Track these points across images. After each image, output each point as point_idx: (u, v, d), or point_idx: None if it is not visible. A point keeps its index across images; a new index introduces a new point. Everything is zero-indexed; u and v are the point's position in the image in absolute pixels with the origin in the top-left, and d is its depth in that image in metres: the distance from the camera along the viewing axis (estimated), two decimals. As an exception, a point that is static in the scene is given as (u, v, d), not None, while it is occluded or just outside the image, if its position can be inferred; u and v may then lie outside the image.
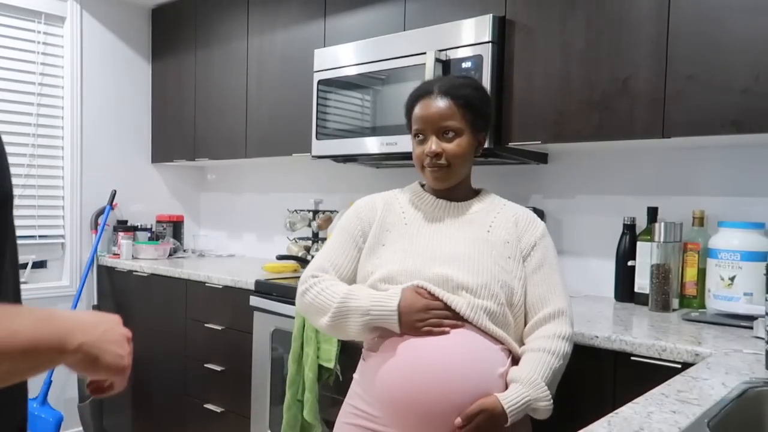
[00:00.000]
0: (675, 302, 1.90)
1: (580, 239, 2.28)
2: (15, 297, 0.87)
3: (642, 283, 2.00)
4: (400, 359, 1.30)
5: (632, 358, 1.46)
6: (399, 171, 2.79)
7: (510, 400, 1.25)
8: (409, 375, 1.27)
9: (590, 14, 1.88)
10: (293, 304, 1.52)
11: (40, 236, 3.16)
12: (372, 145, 2.31)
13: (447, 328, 1.29)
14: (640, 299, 2.00)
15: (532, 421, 1.42)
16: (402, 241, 1.43)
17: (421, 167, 1.45)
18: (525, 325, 1.41)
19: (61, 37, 3.24)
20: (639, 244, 2.03)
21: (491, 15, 2.01)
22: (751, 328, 1.58)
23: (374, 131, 2.31)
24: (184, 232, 3.66)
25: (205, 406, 2.70)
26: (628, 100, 1.81)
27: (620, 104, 1.82)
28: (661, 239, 1.88)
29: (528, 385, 1.28)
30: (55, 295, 3.20)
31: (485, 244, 1.40)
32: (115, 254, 3.30)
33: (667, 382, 1.11)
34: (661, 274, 1.87)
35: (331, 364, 1.98)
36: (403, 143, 2.20)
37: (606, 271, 2.18)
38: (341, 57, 2.42)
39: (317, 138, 2.51)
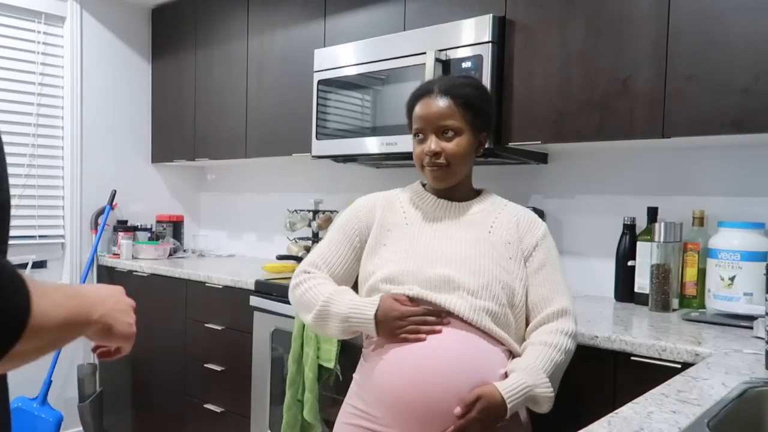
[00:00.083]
0: (675, 302, 1.90)
1: (580, 239, 2.28)
2: None
3: (642, 283, 2.00)
4: (400, 360, 1.30)
5: (632, 358, 1.46)
6: (399, 171, 2.79)
7: (508, 386, 1.25)
8: (409, 376, 1.27)
9: (590, 14, 1.88)
10: (301, 309, 1.52)
11: (40, 236, 3.16)
12: (372, 145, 2.31)
13: (423, 335, 1.29)
14: (640, 299, 2.00)
15: (532, 420, 1.42)
16: (403, 241, 1.43)
17: (420, 166, 1.45)
18: (526, 326, 1.41)
19: (61, 37, 3.24)
20: (639, 244, 2.03)
21: (491, 15, 2.01)
22: (751, 328, 1.58)
23: (374, 131, 2.31)
24: (184, 232, 3.66)
25: (205, 406, 2.70)
26: (628, 100, 1.81)
27: (620, 104, 1.82)
28: (661, 239, 1.88)
29: (526, 372, 1.28)
30: (55, 295, 3.19)
31: (486, 244, 1.40)
32: (115, 254, 3.30)
33: (667, 382, 1.11)
34: (661, 274, 1.87)
35: (331, 364, 1.98)
36: (403, 143, 2.20)
37: (606, 271, 2.18)
38: (341, 57, 2.42)
39: (317, 138, 2.51)
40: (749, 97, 1.61)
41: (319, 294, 1.40)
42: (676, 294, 1.91)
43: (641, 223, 2.09)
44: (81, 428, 3.13)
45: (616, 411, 0.95)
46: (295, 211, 2.90)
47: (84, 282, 3.19)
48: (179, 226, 3.61)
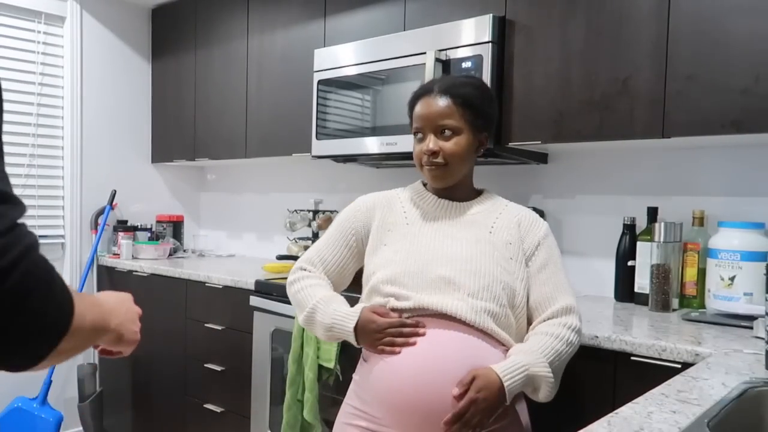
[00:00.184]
0: (675, 302, 1.90)
1: (580, 239, 2.28)
2: None
3: (642, 283, 2.00)
4: (400, 361, 1.30)
5: (632, 358, 1.46)
6: (399, 171, 2.79)
7: (504, 366, 1.25)
8: (409, 377, 1.27)
9: (590, 14, 1.88)
10: (294, 306, 1.53)
11: (40, 236, 3.14)
12: (372, 145, 2.31)
13: (397, 349, 1.30)
14: (640, 299, 2.00)
15: (533, 421, 1.42)
16: (404, 240, 1.43)
17: (420, 166, 1.45)
18: (528, 326, 1.41)
19: (61, 37, 3.24)
20: (639, 244, 2.03)
21: (491, 15, 2.01)
22: (751, 328, 1.58)
23: (374, 131, 2.31)
24: (184, 232, 3.66)
25: (205, 406, 2.70)
26: (628, 100, 1.81)
27: (620, 104, 1.82)
28: (661, 239, 1.88)
29: (523, 354, 1.29)
30: (55, 295, 3.19)
31: (487, 244, 1.39)
32: (115, 254, 3.30)
33: (667, 382, 1.11)
34: (661, 274, 1.87)
35: (331, 364, 1.99)
36: (403, 143, 2.20)
37: (606, 271, 2.19)
38: (341, 57, 2.42)
39: (317, 138, 2.51)
40: (749, 97, 1.61)
41: (309, 297, 1.45)
42: (676, 294, 1.91)
43: (641, 223, 2.09)
44: (81, 428, 3.13)
45: (616, 411, 0.95)
46: (295, 211, 2.90)
47: (84, 282, 3.19)
48: (179, 226, 3.61)
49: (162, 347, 2.93)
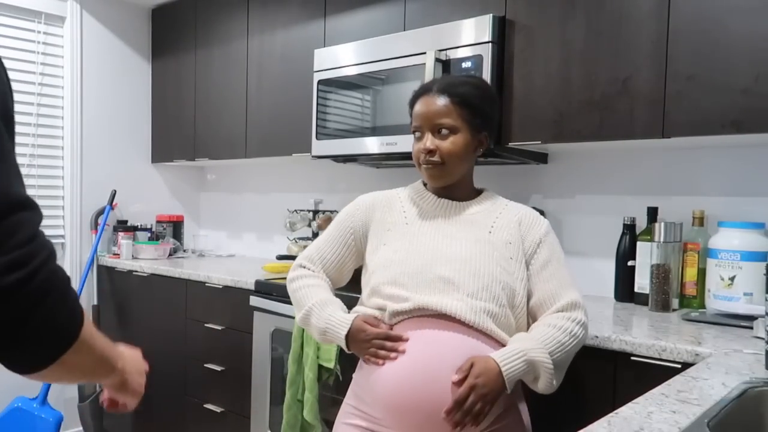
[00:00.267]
0: (675, 302, 1.90)
1: (580, 239, 2.28)
2: None
3: (642, 283, 2.00)
4: (399, 362, 1.30)
5: (632, 358, 1.46)
6: (399, 171, 2.79)
7: (502, 352, 1.26)
8: (408, 378, 1.27)
9: (590, 14, 1.88)
10: (292, 304, 1.54)
11: (40, 236, 3.16)
12: (372, 145, 2.31)
13: (380, 361, 1.31)
14: (640, 299, 2.00)
15: (533, 421, 1.42)
16: (403, 240, 1.43)
17: (418, 164, 1.45)
18: (528, 326, 1.40)
19: (61, 37, 3.24)
20: (639, 244, 2.03)
21: (491, 15, 2.01)
22: (751, 328, 1.58)
23: (374, 131, 2.31)
24: (184, 232, 3.66)
25: (205, 406, 2.70)
26: (628, 100, 1.81)
27: (620, 104, 1.82)
28: (661, 239, 1.88)
29: (521, 341, 1.29)
30: (55, 295, 3.19)
31: (487, 244, 1.39)
32: (115, 254, 3.30)
33: (667, 382, 1.11)
34: (661, 274, 1.87)
35: (331, 364, 1.99)
36: (403, 143, 2.20)
37: (606, 271, 2.18)
38: (341, 57, 2.42)
39: (317, 138, 2.51)
40: (749, 97, 1.61)
41: (306, 298, 1.46)
42: (676, 294, 1.91)
43: (641, 223, 2.09)
44: (81, 428, 3.13)
45: (616, 411, 0.95)
46: (295, 211, 2.90)
47: (84, 282, 3.19)
48: (179, 226, 3.61)
49: (162, 347, 2.93)
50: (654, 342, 1.43)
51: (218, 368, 2.62)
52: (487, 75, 2.00)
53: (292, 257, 2.72)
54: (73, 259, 3.26)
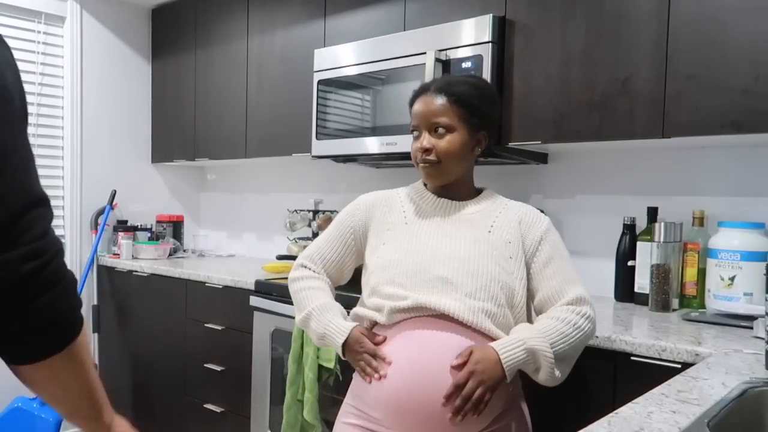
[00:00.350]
0: (675, 302, 1.90)
1: (580, 239, 2.28)
2: None
3: (642, 283, 2.00)
4: (398, 362, 1.30)
5: (632, 358, 1.46)
6: (399, 171, 2.79)
7: (501, 341, 1.26)
8: (407, 378, 1.27)
9: (590, 14, 1.88)
10: (293, 304, 1.54)
11: (40, 236, 3.16)
12: (372, 145, 2.31)
13: (367, 378, 1.33)
14: (640, 299, 2.00)
15: (533, 421, 1.42)
16: (402, 239, 1.43)
17: (416, 163, 1.45)
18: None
19: (61, 37, 3.24)
20: (639, 244, 2.03)
21: (491, 15, 2.01)
22: (751, 328, 1.58)
23: (374, 131, 2.31)
24: (184, 232, 3.66)
25: (205, 406, 2.70)
26: (628, 100, 1.81)
27: (620, 104, 1.82)
28: (661, 239, 1.88)
29: (521, 331, 1.29)
30: (55, 295, 3.19)
31: (486, 244, 1.39)
32: (115, 254, 3.30)
33: (667, 382, 1.11)
34: (661, 274, 1.87)
35: (331, 364, 1.99)
36: (403, 143, 2.20)
37: (606, 271, 2.19)
38: (341, 57, 2.42)
39: (317, 138, 2.51)
40: (749, 97, 1.61)
41: (307, 300, 1.47)
42: (676, 294, 1.91)
43: (641, 223, 2.09)
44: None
45: (616, 411, 0.95)
46: (295, 211, 2.90)
47: (84, 281, 3.19)
48: (179, 226, 3.61)
49: (162, 347, 2.93)
50: (654, 342, 1.43)
51: (218, 368, 2.62)
52: (487, 75, 2.00)
53: (292, 257, 2.72)
54: (73, 259, 3.26)
